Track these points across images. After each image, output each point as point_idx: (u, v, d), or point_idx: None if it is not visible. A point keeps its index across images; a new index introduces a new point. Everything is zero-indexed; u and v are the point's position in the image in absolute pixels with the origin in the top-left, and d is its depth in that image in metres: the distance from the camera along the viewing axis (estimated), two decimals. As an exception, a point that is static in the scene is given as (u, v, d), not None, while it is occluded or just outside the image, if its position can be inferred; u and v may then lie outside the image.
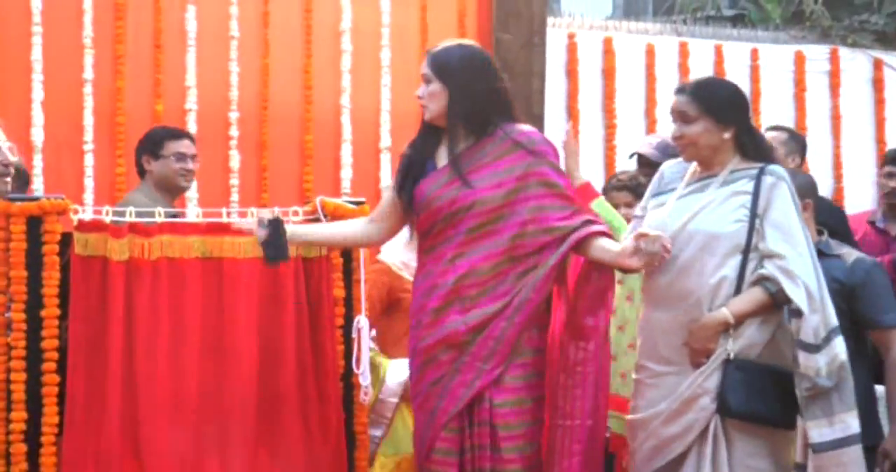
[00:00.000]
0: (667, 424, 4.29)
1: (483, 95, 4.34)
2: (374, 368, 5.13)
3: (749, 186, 4.31)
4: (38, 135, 6.64)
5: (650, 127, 8.22)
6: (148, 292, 4.75)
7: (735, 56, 8.62)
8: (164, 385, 4.72)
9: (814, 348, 4.17)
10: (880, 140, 8.89)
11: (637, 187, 5.63)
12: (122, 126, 6.79)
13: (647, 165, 6.51)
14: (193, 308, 4.79)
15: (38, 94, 6.67)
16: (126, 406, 4.67)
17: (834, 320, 4.24)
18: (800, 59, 8.78)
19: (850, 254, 4.91)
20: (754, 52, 8.69)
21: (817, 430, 4.21)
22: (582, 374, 4.26)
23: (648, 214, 4.49)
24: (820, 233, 4.90)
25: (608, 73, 8.27)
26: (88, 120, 6.77)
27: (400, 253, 5.28)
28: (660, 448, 4.31)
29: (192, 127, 6.89)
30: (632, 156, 6.55)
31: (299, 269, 4.89)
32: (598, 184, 6.25)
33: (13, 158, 5.07)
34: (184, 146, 5.79)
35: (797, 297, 4.17)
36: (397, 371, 5.14)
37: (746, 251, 4.25)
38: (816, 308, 4.19)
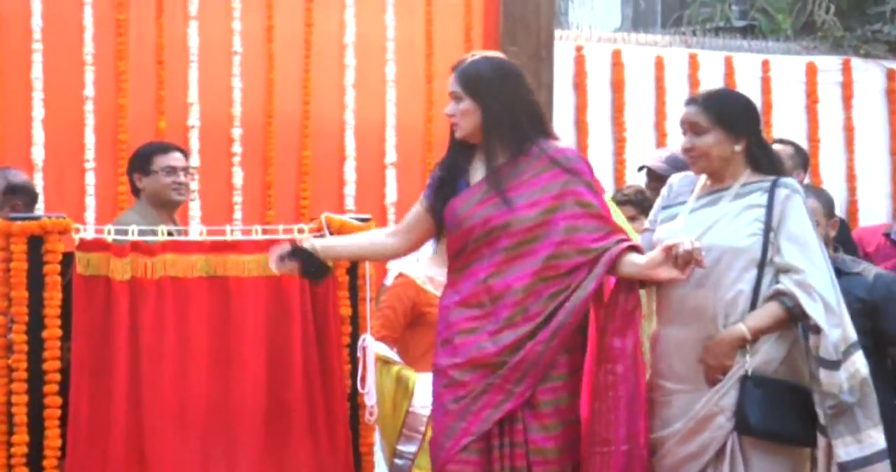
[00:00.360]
0: (682, 443, 4.26)
1: (519, 109, 4.27)
2: (402, 381, 5.12)
3: (762, 199, 4.29)
4: (38, 153, 6.64)
5: (660, 140, 8.21)
6: (152, 312, 4.75)
7: (745, 68, 8.61)
8: (170, 407, 4.72)
9: (835, 365, 4.14)
10: (894, 152, 8.88)
11: (642, 202, 5.64)
12: (123, 144, 6.79)
13: (656, 179, 6.51)
14: (199, 328, 4.79)
15: (38, 111, 6.68)
16: (131, 430, 4.66)
17: (853, 335, 4.22)
18: (811, 71, 8.77)
19: (870, 270, 4.90)
20: (765, 64, 8.68)
21: (844, 448, 4.17)
22: (614, 398, 4.18)
23: (659, 228, 4.47)
24: (836, 250, 4.90)
25: (617, 86, 8.27)
26: (90, 138, 6.78)
27: (425, 268, 5.28)
28: (675, 468, 4.28)
29: (194, 144, 6.90)
30: (640, 169, 6.55)
31: (305, 287, 4.88)
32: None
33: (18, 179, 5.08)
34: (173, 159, 5.76)
35: (815, 312, 4.15)
36: (427, 384, 5.12)
37: (762, 265, 4.24)
38: (836, 323, 4.17)
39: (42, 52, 6.73)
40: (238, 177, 7.05)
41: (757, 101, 8.26)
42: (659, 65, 8.40)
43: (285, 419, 4.83)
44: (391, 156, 7.44)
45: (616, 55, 8.31)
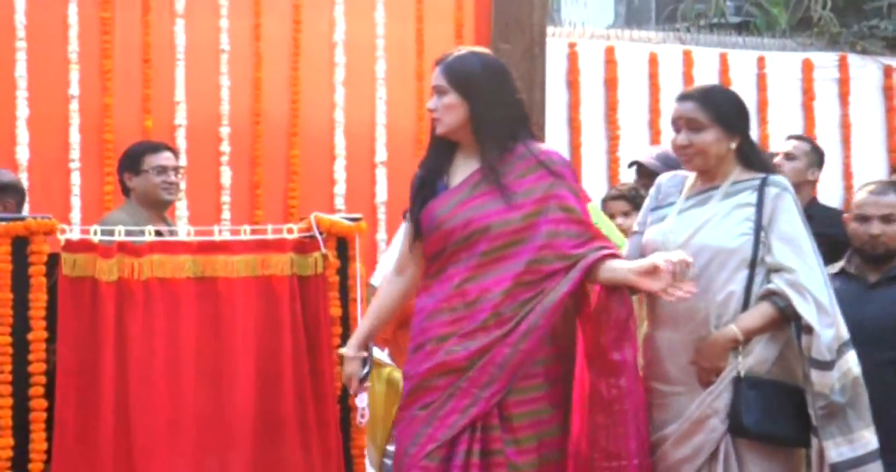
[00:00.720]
0: (676, 446, 4.26)
1: (506, 107, 4.21)
2: (393, 383, 5.12)
3: (752, 197, 4.29)
4: (23, 153, 6.65)
5: (654, 138, 8.23)
6: (140, 314, 4.74)
7: (741, 64, 8.63)
8: (158, 410, 4.71)
9: (828, 366, 4.15)
10: (891, 149, 8.91)
11: (635, 198, 5.65)
12: (109, 143, 6.80)
13: (647, 176, 6.54)
14: (187, 330, 4.79)
15: (23, 111, 6.68)
16: (119, 432, 4.66)
17: (845, 334, 4.23)
18: (808, 67, 8.79)
19: None
20: (761, 60, 8.70)
21: (836, 449, 4.18)
22: (621, 412, 4.12)
23: (648, 230, 4.45)
24: None
25: (610, 84, 8.28)
26: (75, 137, 6.78)
27: None
28: (670, 471, 4.29)
29: (181, 143, 6.91)
30: (631, 165, 6.58)
31: (295, 288, 4.88)
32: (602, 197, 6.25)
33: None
34: (163, 159, 5.79)
35: (807, 313, 4.16)
36: None
37: (753, 265, 4.23)
38: (829, 323, 4.18)
39: (26, 50, 6.73)
40: (226, 176, 7.06)
41: (752, 98, 8.48)
42: (653, 62, 8.42)
43: (275, 421, 4.83)
44: (381, 155, 7.44)
45: (609, 52, 8.33)
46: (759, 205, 4.27)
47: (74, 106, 6.80)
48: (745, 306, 4.22)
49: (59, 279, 4.69)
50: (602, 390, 4.13)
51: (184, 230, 5.17)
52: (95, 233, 4.78)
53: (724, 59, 8.59)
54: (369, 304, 5.01)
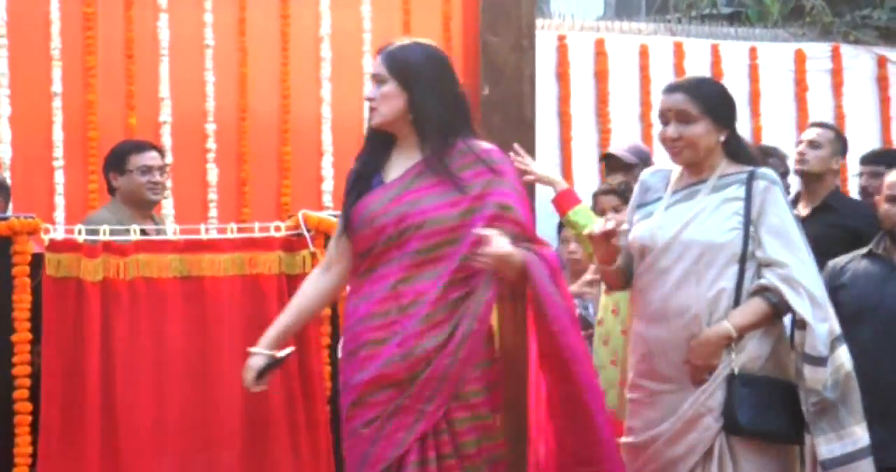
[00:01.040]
0: (669, 445, 4.27)
1: (448, 100, 4.10)
2: None
3: (740, 191, 4.29)
4: (5, 151, 6.62)
5: (646, 131, 8.22)
6: (125, 315, 4.75)
7: (733, 55, 8.62)
8: (145, 412, 4.72)
9: (821, 361, 4.17)
10: (886, 140, 8.90)
11: (625, 192, 5.66)
12: (93, 141, 6.77)
13: (619, 168, 6.57)
14: (174, 330, 4.80)
15: (4, 109, 6.65)
16: (105, 435, 4.67)
17: (838, 329, 4.25)
18: (800, 58, 8.79)
19: None
20: (753, 51, 8.70)
21: (826, 446, 4.19)
22: (585, 414, 4.04)
23: (634, 227, 4.44)
24: None
25: (601, 76, 8.27)
26: (58, 135, 6.75)
27: None
28: (663, 470, 4.29)
29: (166, 140, 6.89)
30: (602, 158, 6.61)
31: (283, 287, 4.89)
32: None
33: None
34: (148, 158, 5.81)
35: (801, 307, 4.17)
36: None
37: (743, 260, 4.24)
38: (823, 317, 4.20)
39: (7, 47, 6.70)
40: (213, 174, 7.04)
41: (745, 89, 8.48)
42: (643, 54, 8.41)
43: (264, 421, 4.83)
44: (370, 151, 7.41)
45: (599, 44, 8.32)
46: (748, 199, 4.27)
47: (57, 103, 6.77)
48: (737, 301, 4.22)
49: (42, 280, 4.69)
50: (559, 388, 4.08)
51: (170, 229, 5.17)
52: (80, 232, 4.78)
53: (715, 51, 8.59)
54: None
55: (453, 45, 7.49)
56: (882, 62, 8.99)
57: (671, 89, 4.43)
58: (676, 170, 4.45)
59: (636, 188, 4.57)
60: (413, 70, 4.08)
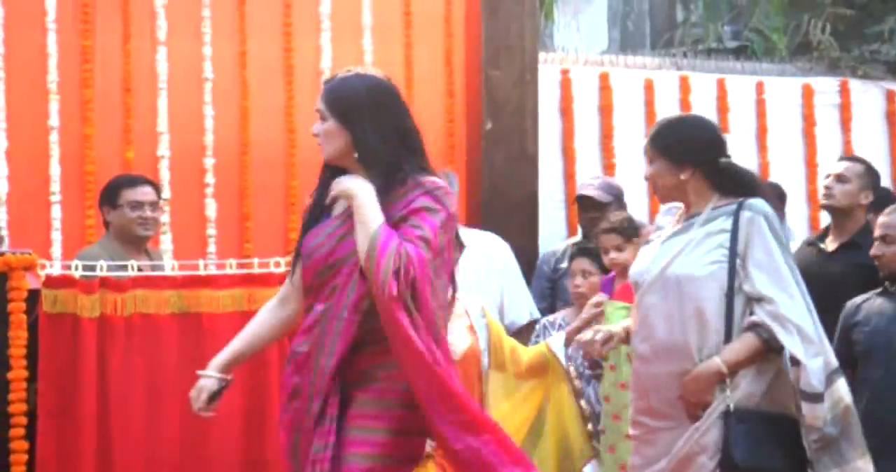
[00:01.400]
0: None
1: (391, 136, 3.93)
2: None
3: (727, 223, 4.33)
4: (2, 186, 6.65)
5: (651, 166, 8.24)
6: (122, 351, 4.77)
7: (739, 90, 8.65)
8: (141, 450, 4.74)
9: (817, 398, 4.17)
10: (895, 175, 8.92)
11: (626, 230, 5.68)
12: (90, 175, 6.80)
13: (593, 208, 6.61)
14: (171, 366, 4.81)
15: (1, 143, 6.68)
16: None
17: (834, 362, 4.26)
18: (808, 92, 8.82)
19: None
20: (759, 86, 8.73)
21: None
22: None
23: (635, 262, 4.56)
24: None
25: (605, 111, 8.29)
26: (55, 169, 6.78)
27: None
28: None
29: (164, 174, 6.91)
30: (577, 200, 6.66)
31: (282, 323, 4.89)
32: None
33: None
34: (140, 194, 5.83)
35: (791, 344, 4.18)
36: None
37: (731, 294, 4.26)
38: (815, 352, 4.20)
39: (4, 80, 6.74)
40: (211, 209, 7.06)
41: (752, 124, 8.49)
42: (648, 88, 8.44)
43: (261, 459, 4.84)
44: (371, 185, 7.43)
45: (604, 78, 8.35)
46: (734, 231, 4.30)
47: (54, 137, 6.80)
48: (728, 336, 4.24)
49: (39, 316, 4.71)
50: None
51: (168, 265, 5.19)
52: (77, 268, 4.80)
53: (721, 85, 8.61)
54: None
55: (455, 79, 7.55)
56: (891, 97, 9.01)
57: None
58: (682, 207, 4.51)
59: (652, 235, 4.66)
60: (351, 106, 3.96)
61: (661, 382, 4.31)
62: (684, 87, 8.51)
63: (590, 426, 5.35)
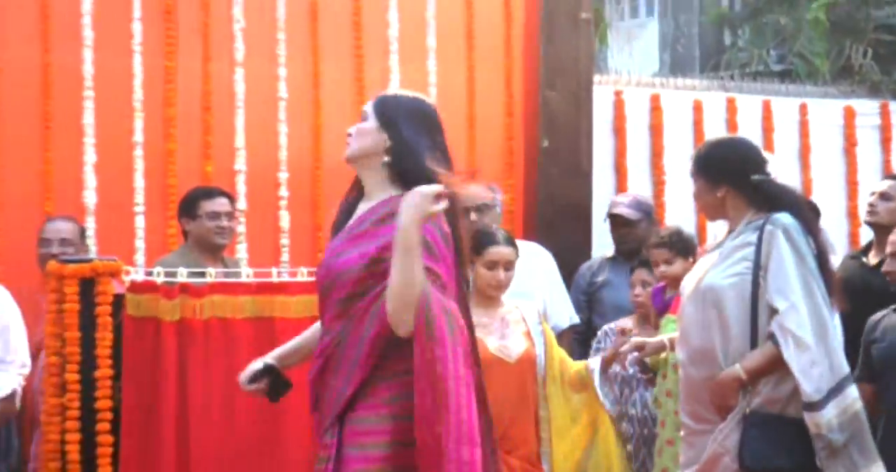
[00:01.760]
0: None
1: (425, 145, 3.82)
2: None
3: (753, 237, 4.36)
4: (90, 197, 6.73)
5: (699, 183, 8.22)
6: (200, 352, 4.82)
7: (783, 111, 8.63)
8: (218, 446, 4.78)
9: (814, 406, 4.13)
10: (935, 195, 8.85)
11: (677, 243, 5.67)
12: (172, 188, 6.87)
13: (624, 225, 6.58)
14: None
15: (90, 157, 6.76)
16: (180, 466, 4.73)
17: (844, 369, 4.22)
18: (849, 114, 8.79)
19: None
20: (803, 107, 8.70)
21: None
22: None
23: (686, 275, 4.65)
24: None
25: (656, 130, 8.29)
26: (139, 182, 6.86)
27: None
28: None
29: (241, 188, 6.98)
30: (606, 219, 6.64)
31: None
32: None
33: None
34: (217, 205, 5.90)
35: (785, 354, 4.17)
36: None
37: (755, 304, 4.27)
38: (811, 361, 4.16)
39: (93, 98, 6.82)
40: (285, 220, 7.12)
41: (795, 144, 8.47)
42: (697, 109, 8.43)
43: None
44: (437, 197, 7.45)
45: (655, 99, 8.35)
46: (759, 244, 4.32)
47: (139, 152, 6.88)
48: (753, 344, 4.25)
49: (123, 319, 4.77)
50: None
51: (244, 272, 5.23)
52: (159, 275, 4.86)
53: (766, 107, 8.59)
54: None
55: (514, 100, 7.58)
56: (929, 119, 8.96)
57: None
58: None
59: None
60: (397, 111, 3.88)
61: (696, 386, 4.35)
62: (731, 108, 8.50)
63: (629, 448, 5.40)
